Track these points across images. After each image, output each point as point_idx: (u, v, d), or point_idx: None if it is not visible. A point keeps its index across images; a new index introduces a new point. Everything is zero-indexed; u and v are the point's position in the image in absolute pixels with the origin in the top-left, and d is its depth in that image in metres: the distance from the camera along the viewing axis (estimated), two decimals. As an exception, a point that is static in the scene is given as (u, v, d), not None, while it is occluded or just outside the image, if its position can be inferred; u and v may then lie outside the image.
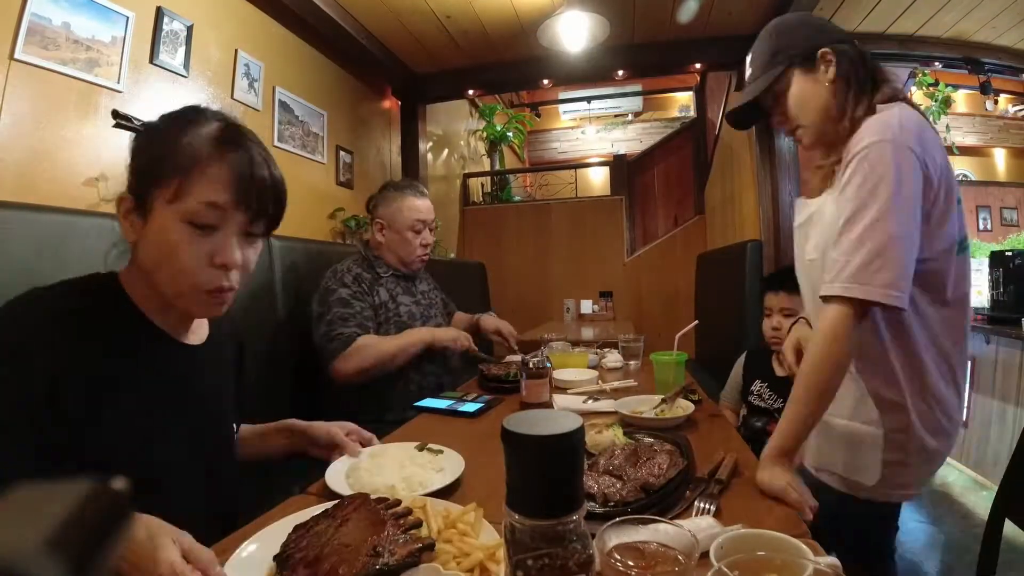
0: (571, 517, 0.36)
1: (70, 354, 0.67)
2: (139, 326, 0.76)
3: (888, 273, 0.83)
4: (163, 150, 0.72)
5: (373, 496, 0.71)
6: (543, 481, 0.36)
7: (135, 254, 0.76)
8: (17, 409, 0.63)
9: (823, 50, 1.00)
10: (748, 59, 1.12)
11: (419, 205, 1.83)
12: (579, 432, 0.36)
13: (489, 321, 2.07)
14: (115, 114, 0.78)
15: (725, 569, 0.46)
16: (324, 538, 0.61)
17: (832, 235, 0.92)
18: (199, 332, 0.86)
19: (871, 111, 0.95)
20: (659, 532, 0.56)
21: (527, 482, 0.36)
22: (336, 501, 0.71)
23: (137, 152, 0.75)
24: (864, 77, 0.99)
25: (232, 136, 0.75)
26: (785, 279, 1.70)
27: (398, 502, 0.69)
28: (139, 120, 0.78)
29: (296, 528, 0.66)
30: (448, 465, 0.92)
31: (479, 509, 0.69)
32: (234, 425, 0.91)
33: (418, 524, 0.64)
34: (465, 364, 1.96)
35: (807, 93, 1.02)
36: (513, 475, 0.37)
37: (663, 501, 0.76)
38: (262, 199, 0.76)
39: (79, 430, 0.67)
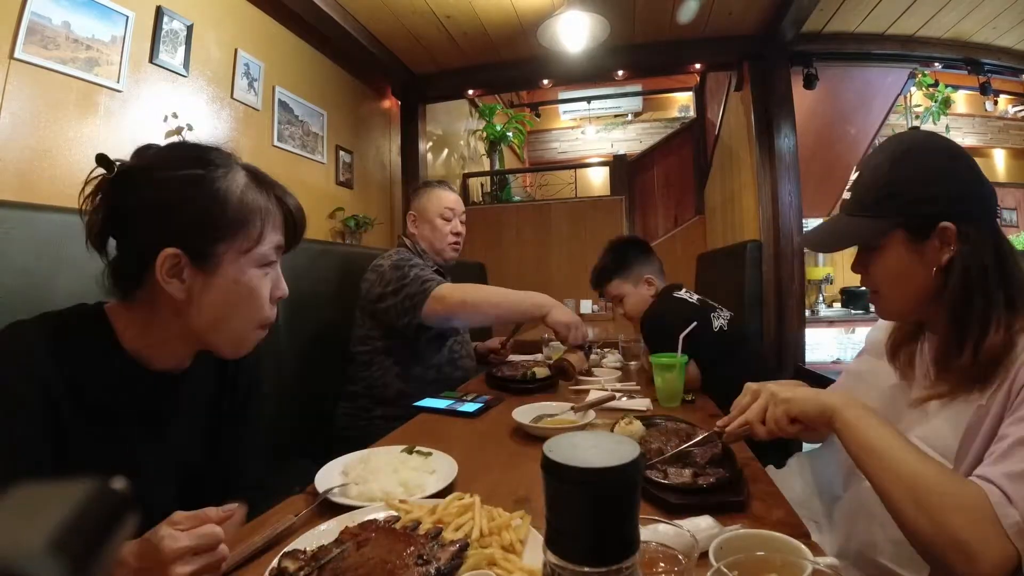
0: (624, 564, 0.30)
1: (49, 390, 0.65)
2: (124, 369, 0.73)
3: None
4: (225, 202, 0.71)
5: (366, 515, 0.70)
6: (592, 522, 0.29)
7: (188, 308, 0.71)
8: (10, 442, 0.63)
9: (945, 224, 0.74)
10: (856, 174, 0.83)
11: (448, 196, 1.90)
12: (638, 462, 0.29)
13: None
14: (101, 159, 0.73)
15: (725, 569, 0.46)
16: (352, 560, 0.58)
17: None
18: (182, 363, 0.82)
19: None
20: (658, 532, 0.56)
21: (571, 522, 0.30)
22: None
23: (176, 204, 0.70)
24: (994, 283, 0.73)
25: (266, 179, 0.79)
26: None
27: (397, 518, 0.69)
28: (120, 161, 0.72)
29: (296, 558, 0.60)
30: (439, 467, 0.92)
31: (527, 517, 0.68)
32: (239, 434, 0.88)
33: (438, 531, 0.63)
34: (481, 363, 1.99)
35: (904, 269, 0.78)
36: (555, 512, 0.30)
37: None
38: (300, 231, 0.83)
39: (60, 462, 0.65)
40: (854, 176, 0.82)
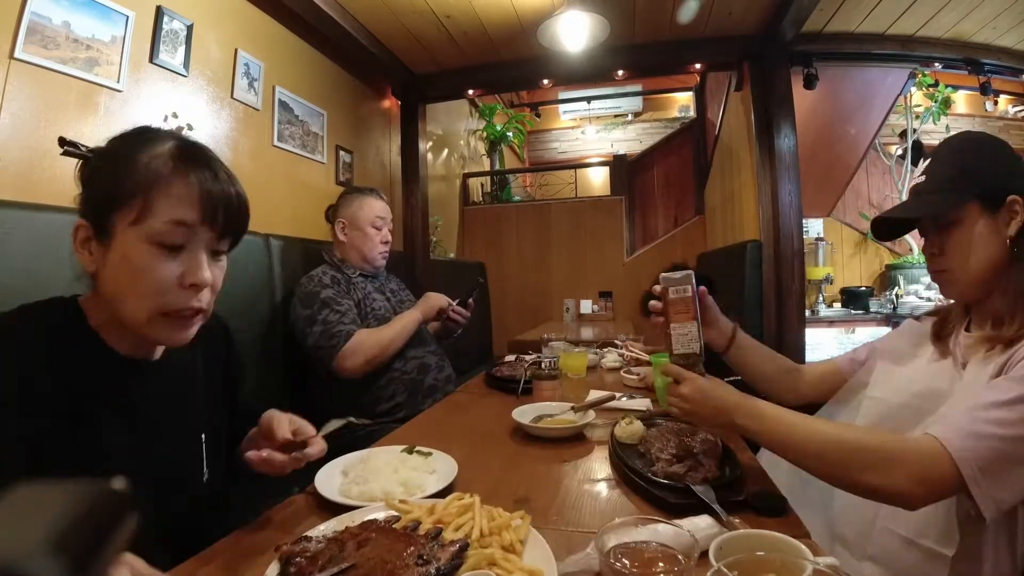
0: None
1: (28, 381, 0.65)
2: (95, 352, 0.73)
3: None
4: (120, 172, 0.70)
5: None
6: None
7: (97, 283, 0.73)
8: None
9: (1014, 196, 0.84)
10: (927, 161, 0.96)
11: (377, 205, 1.94)
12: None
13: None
14: (62, 141, 0.75)
15: (724, 569, 0.46)
16: (353, 560, 0.58)
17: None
18: (158, 348, 0.82)
19: None
20: (658, 532, 0.56)
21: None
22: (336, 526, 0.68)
23: (91, 179, 0.73)
24: None
25: (192, 152, 0.74)
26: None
27: (398, 517, 0.69)
28: (86, 147, 0.75)
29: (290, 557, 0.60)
30: (439, 467, 0.92)
31: (527, 517, 0.68)
32: (203, 436, 0.84)
33: (438, 531, 0.63)
34: (443, 335, 2.03)
35: (979, 239, 0.86)
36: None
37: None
38: (228, 215, 0.74)
39: (36, 456, 0.64)
40: (925, 164, 0.95)
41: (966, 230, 0.87)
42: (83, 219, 0.71)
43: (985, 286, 0.87)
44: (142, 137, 0.73)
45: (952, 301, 0.98)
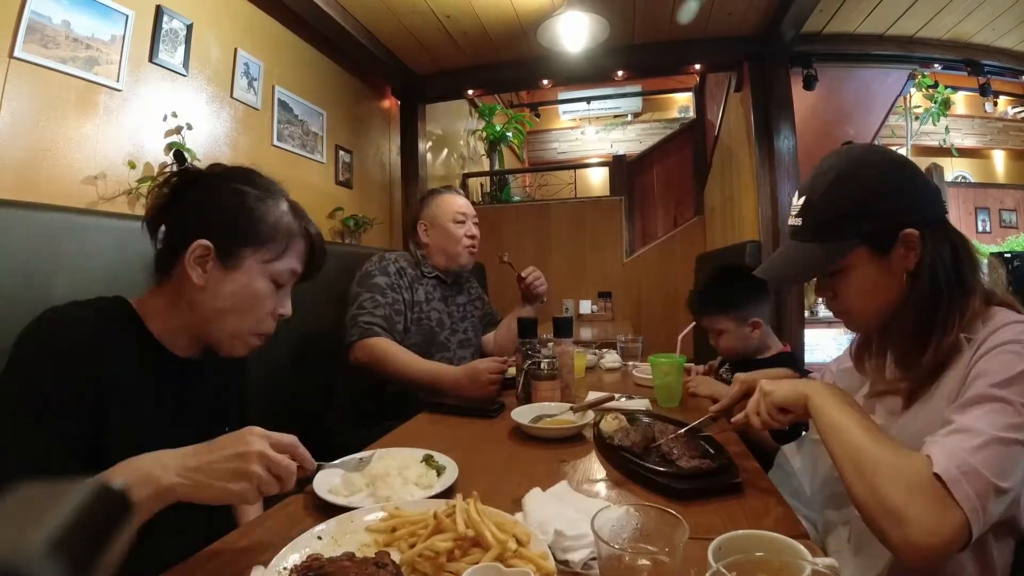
0: None
1: (94, 370, 0.73)
2: (151, 346, 0.83)
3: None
4: (256, 217, 0.85)
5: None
6: None
7: (196, 296, 0.82)
8: (52, 412, 0.69)
9: (908, 231, 0.76)
10: (801, 199, 0.83)
11: (457, 200, 1.88)
12: None
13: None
14: (178, 155, 0.87)
15: (723, 570, 0.46)
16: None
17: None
18: (195, 354, 0.91)
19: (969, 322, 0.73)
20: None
21: None
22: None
23: (221, 208, 0.85)
24: (953, 281, 0.76)
25: (303, 214, 0.93)
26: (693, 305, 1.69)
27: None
28: (194, 156, 0.86)
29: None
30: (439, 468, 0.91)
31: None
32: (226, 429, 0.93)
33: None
34: (531, 300, 1.99)
35: (872, 284, 0.79)
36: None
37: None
38: (319, 268, 0.96)
39: (99, 440, 0.72)
40: (799, 201, 0.83)
41: (856, 277, 0.80)
42: (206, 239, 0.81)
43: (889, 318, 0.82)
44: (264, 185, 0.89)
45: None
